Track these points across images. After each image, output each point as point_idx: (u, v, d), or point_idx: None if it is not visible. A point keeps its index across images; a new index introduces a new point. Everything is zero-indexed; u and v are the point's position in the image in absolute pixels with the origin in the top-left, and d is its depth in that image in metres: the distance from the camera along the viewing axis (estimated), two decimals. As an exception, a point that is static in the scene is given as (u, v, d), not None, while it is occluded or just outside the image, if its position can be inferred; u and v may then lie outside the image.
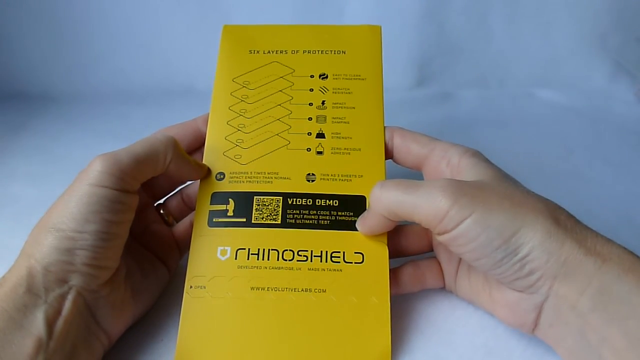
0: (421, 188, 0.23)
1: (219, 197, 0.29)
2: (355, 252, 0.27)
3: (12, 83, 0.62)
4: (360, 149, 0.30)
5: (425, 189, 0.23)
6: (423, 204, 0.23)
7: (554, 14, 0.60)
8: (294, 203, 0.28)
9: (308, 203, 0.28)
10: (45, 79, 0.62)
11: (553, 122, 0.54)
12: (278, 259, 0.27)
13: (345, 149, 0.30)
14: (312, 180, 0.29)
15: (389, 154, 0.30)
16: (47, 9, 0.60)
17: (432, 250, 0.30)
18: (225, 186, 0.29)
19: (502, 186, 0.23)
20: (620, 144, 0.50)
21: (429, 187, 0.23)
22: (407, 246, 0.29)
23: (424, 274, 0.28)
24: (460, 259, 0.28)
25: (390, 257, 0.28)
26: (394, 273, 0.28)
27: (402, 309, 0.29)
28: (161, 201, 0.32)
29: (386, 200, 0.24)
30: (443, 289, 0.29)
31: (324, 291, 0.26)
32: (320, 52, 0.34)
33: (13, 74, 0.62)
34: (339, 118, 0.31)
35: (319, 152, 0.30)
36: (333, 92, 0.32)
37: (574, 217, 0.23)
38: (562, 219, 0.22)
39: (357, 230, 0.28)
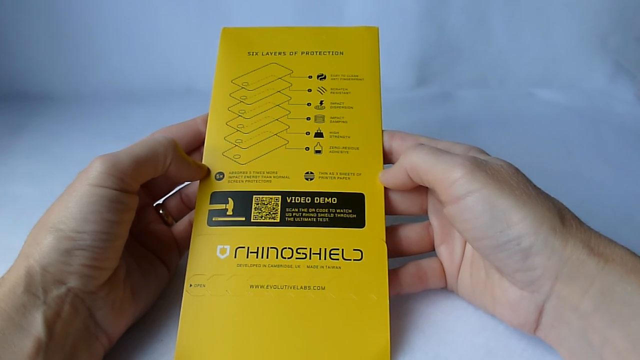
0: (446, 154, 0.25)
1: (219, 197, 0.29)
2: (354, 249, 0.27)
3: (12, 83, 0.62)
4: (358, 148, 0.30)
5: (449, 155, 0.25)
6: (441, 166, 0.24)
7: (554, 14, 0.60)
8: (293, 201, 0.28)
9: (307, 201, 0.28)
10: (45, 79, 0.63)
11: (553, 122, 0.54)
12: (277, 257, 0.27)
13: (343, 147, 0.30)
14: (311, 179, 0.29)
15: (388, 157, 0.30)
16: (47, 9, 0.60)
17: (432, 250, 0.29)
18: (224, 186, 0.29)
19: (517, 177, 0.24)
20: (620, 144, 0.50)
21: (453, 155, 0.25)
22: (407, 246, 0.29)
23: (425, 274, 0.28)
24: (462, 257, 0.28)
25: (390, 257, 0.28)
26: (395, 273, 0.28)
27: (402, 308, 0.29)
28: (160, 201, 0.32)
29: (414, 155, 0.26)
30: (444, 288, 0.29)
31: (323, 288, 0.26)
32: (318, 53, 0.34)
33: (13, 74, 0.62)
34: (337, 117, 0.31)
35: (318, 151, 0.30)
36: (331, 92, 0.32)
37: (578, 218, 0.23)
38: (567, 219, 0.22)
39: (356, 227, 0.28)
